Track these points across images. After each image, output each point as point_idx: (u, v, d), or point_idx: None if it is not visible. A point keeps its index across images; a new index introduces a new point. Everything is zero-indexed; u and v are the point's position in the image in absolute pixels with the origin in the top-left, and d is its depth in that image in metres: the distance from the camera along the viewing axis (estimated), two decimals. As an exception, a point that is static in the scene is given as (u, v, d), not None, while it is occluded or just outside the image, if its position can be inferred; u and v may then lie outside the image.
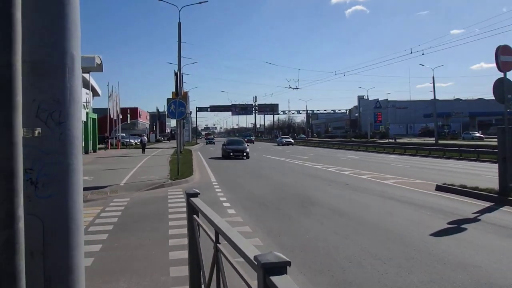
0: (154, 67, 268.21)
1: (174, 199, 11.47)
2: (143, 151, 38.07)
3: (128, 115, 48.13)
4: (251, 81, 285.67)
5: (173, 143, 67.40)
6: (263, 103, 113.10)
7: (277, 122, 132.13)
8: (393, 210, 9.52)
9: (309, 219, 8.56)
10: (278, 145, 57.57)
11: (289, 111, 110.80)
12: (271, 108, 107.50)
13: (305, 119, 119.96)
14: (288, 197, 11.66)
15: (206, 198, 11.63)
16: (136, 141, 58.80)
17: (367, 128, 79.69)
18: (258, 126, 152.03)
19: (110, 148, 46.15)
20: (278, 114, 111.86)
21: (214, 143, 62.39)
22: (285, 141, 60.31)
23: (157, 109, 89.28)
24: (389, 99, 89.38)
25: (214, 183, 15.08)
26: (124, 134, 69.44)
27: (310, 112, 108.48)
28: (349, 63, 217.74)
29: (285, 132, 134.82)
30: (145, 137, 41.75)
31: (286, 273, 1.82)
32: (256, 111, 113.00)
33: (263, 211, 9.58)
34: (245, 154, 28.62)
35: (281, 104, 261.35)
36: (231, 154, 28.53)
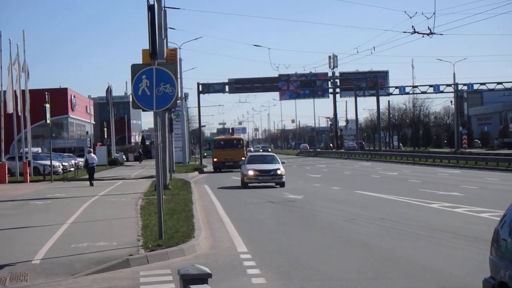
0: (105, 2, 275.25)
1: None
2: (91, 182, 41.00)
3: (47, 107, 49.30)
4: (317, 19, 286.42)
5: (149, 167, 68.49)
6: (349, 70, 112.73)
7: (387, 111, 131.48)
8: None
9: None
10: None
11: (414, 86, 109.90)
12: (371, 80, 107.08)
13: (452, 104, 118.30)
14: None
15: (226, 289, 11.95)
16: (66, 163, 60.49)
17: None
18: (342, 122, 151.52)
19: (10, 182, 47.69)
20: (389, 94, 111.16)
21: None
22: None
23: (109, 90, 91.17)
24: None
25: (243, 256, 15.42)
26: (39, 150, 71.22)
27: (462, 87, 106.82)
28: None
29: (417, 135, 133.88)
30: (93, 155, 43.35)
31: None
32: (338, 89, 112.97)
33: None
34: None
35: (394, 73, 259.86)
36: None
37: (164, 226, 17.41)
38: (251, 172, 37.68)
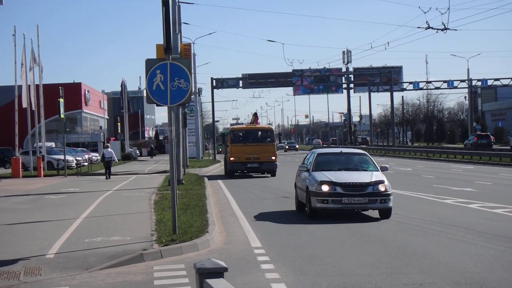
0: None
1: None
2: (108, 175, 43.42)
3: (61, 101, 49.45)
4: (331, 14, 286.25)
5: (162, 162, 68.67)
6: (363, 66, 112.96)
7: (401, 106, 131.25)
8: None
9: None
10: None
11: (428, 82, 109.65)
12: (385, 76, 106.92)
13: (466, 99, 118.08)
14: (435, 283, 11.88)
15: (241, 283, 12.06)
16: (80, 158, 60.65)
17: None
18: (356, 118, 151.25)
19: (24, 176, 48.02)
20: (403, 89, 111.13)
21: None
22: None
23: (123, 85, 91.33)
24: None
25: (256, 250, 15.51)
26: (53, 144, 71.58)
27: (477, 82, 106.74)
28: None
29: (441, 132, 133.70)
30: (111, 150, 45.14)
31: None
32: (352, 84, 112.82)
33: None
34: None
35: (407, 69, 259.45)
36: None
37: (178, 221, 17.48)
38: (325, 188, 20.52)
